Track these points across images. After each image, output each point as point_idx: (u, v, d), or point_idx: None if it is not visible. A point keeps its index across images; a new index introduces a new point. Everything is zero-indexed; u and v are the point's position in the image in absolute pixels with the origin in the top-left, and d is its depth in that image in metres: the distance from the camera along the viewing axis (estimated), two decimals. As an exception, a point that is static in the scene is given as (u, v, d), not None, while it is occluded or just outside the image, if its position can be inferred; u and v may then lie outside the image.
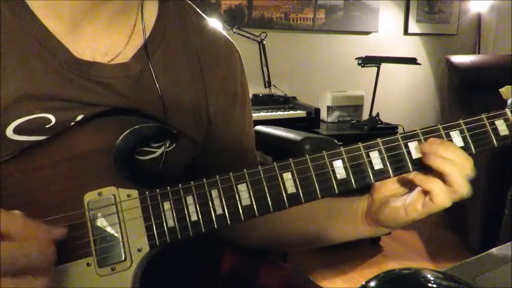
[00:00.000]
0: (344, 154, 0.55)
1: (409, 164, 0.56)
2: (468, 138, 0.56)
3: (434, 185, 0.54)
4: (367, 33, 3.15)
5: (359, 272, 2.24)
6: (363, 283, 0.49)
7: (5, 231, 0.43)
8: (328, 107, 2.82)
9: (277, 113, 2.49)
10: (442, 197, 0.54)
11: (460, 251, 2.43)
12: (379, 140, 0.56)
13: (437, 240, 2.62)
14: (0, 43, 0.55)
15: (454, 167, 0.54)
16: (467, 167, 0.55)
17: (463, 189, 0.55)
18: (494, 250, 0.72)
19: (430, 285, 0.48)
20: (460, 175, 0.54)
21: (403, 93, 3.40)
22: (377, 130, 2.58)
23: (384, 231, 0.65)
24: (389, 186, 0.62)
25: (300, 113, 2.53)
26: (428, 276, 0.49)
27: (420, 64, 2.78)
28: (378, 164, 0.55)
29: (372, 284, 0.49)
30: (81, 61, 0.60)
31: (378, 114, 2.67)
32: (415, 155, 0.56)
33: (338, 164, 0.55)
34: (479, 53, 3.47)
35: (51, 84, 0.58)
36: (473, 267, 0.66)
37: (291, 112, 2.54)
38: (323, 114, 2.74)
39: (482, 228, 2.23)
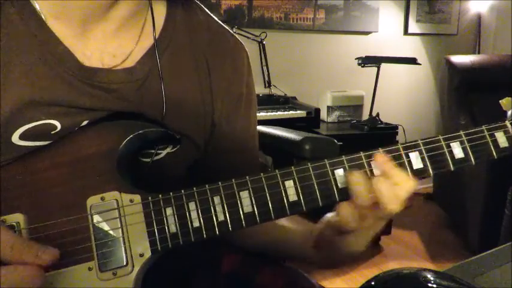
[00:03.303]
0: (346, 163, 0.55)
1: (410, 174, 0.56)
2: (468, 149, 0.56)
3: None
4: (367, 33, 3.15)
5: (359, 272, 2.25)
6: (363, 283, 0.49)
7: None
8: (328, 107, 2.82)
9: (277, 113, 2.49)
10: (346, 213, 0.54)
11: (460, 251, 2.43)
12: (380, 150, 0.56)
13: (437, 240, 2.63)
14: (1, 49, 0.55)
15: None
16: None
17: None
18: (494, 250, 0.71)
19: (430, 285, 0.48)
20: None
21: (403, 93, 3.40)
22: (377, 130, 2.57)
23: (333, 256, 0.65)
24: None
25: (300, 113, 2.52)
26: (428, 276, 0.49)
27: (420, 64, 2.77)
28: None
29: (372, 284, 0.49)
30: (86, 68, 0.60)
31: (378, 114, 2.67)
32: (416, 165, 0.56)
33: (340, 173, 0.55)
34: (479, 53, 3.47)
35: (57, 91, 0.58)
36: (473, 267, 0.66)
37: (291, 112, 2.54)
38: (323, 114, 2.74)
39: (482, 228, 2.23)
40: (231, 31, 0.75)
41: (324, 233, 0.62)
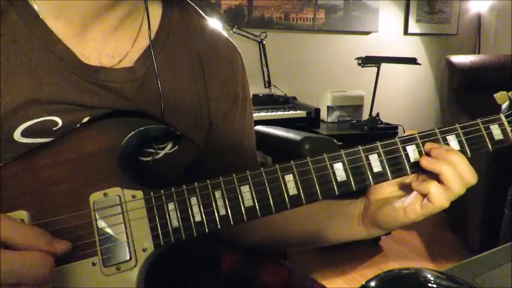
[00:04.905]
0: (344, 157, 0.56)
1: (407, 167, 0.57)
2: (464, 142, 0.57)
3: (431, 187, 0.55)
4: (367, 33, 3.16)
5: (359, 272, 2.25)
6: (363, 283, 0.49)
7: (5, 240, 0.43)
8: (328, 107, 2.82)
9: (277, 113, 2.49)
10: (439, 197, 0.55)
11: (460, 251, 2.43)
12: (378, 144, 0.57)
13: (437, 240, 2.62)
14: (1, 49, 0.56)
15: (447, 165, 0.55)
16: (461, 165, 0.55)
17: (457, 186, 0.55)
18: (494, 250, 0.72)
19: (430, 285, 0.48)
20: (452, 173, 0.55)
21: (403, 93, 3.40)
22: (377, 130, 2.58)
23: (380, 232, 0.66)
24: (387, 188, 0.63)
25: (300, 113, 2.53)
26: (428, 276, 0.49)
27: (420, 64, 2.78)
28: (377, 167, 0.56)
29: (372, 284, 0.49)
30: (87, 66, 0.60)
31: (378, 114, 2.68)
32: (413, 158, 0.57)
33: (338, 167, 0.56)
34: (479, 53, 3.47)
35: (58, 89, 0.58)
36: (473, 267, 0.66)
37: (291, 112, 2.54)
38: (323, 114, 2.74)
39: (482, 228, 2.23)
40: (224, 33, 0.76)
41: (375, 209, 0.63)
